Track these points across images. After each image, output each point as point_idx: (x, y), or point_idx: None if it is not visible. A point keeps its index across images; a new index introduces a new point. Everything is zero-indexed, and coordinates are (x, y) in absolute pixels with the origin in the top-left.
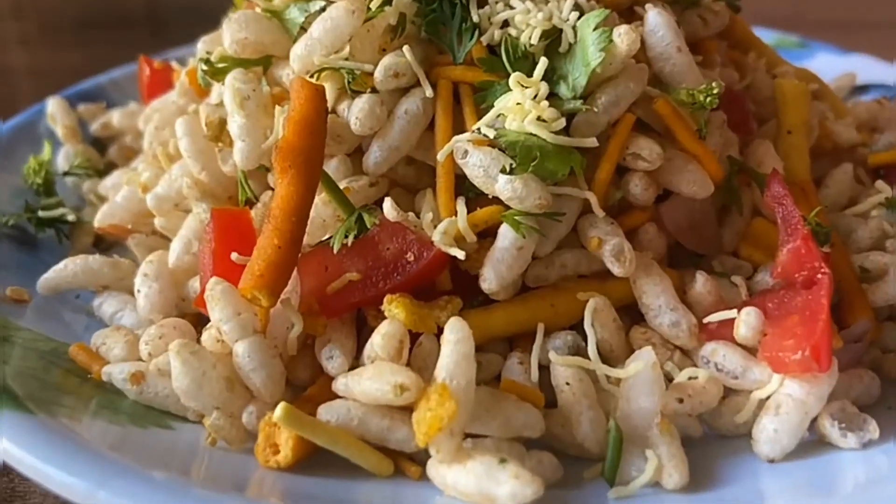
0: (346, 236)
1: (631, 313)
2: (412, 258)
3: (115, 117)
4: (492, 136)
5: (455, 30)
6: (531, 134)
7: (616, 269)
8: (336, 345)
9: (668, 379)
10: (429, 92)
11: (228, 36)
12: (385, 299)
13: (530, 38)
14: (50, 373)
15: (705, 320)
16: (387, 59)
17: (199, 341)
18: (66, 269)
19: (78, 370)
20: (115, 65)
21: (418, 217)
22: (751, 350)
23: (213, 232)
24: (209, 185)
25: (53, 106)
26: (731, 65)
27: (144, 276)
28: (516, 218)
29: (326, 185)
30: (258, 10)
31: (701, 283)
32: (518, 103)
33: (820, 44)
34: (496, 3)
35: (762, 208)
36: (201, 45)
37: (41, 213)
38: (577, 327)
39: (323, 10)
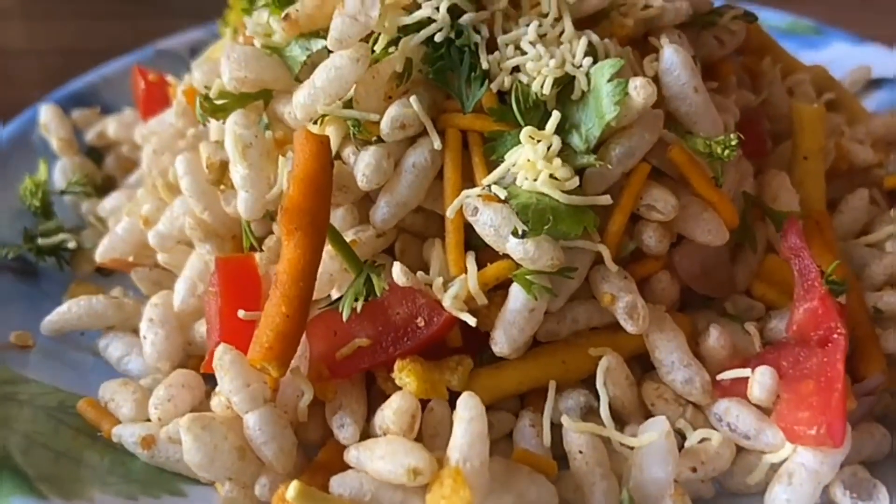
0: (356, 300)
1: (642, 362)
2: (422, 323)
3: (111, 127)
4: (503, 197)
5: (464, 77)
6: (543, 194)
7: (629, 327)
8: (346, 412)
9: (681, 436)
10: (437, 144)
11: (227, 73)
12: (396, 366)
13: (542, 87)
14: (59, 435)
15: (719, 377)
16: (393, 110)
17: (207, 395)
18: (69, 312)
19: (87, 428)
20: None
21: (427, 269)
22: (764, 409)
23: (219, 282)
24: (212, 224)
25: (46, 115)
26: (747, 77)
27: (150, 321)
28: (528, 277)
29: (334, 241)
30: (257, 43)
31: (714, 338)
32: (529, 160)
33: (835, 31)
34: (507, 46)
35: (776, 244)
36: (197, 74)
37: (41, 241)
38: (589, 380)
39: (325, 51)
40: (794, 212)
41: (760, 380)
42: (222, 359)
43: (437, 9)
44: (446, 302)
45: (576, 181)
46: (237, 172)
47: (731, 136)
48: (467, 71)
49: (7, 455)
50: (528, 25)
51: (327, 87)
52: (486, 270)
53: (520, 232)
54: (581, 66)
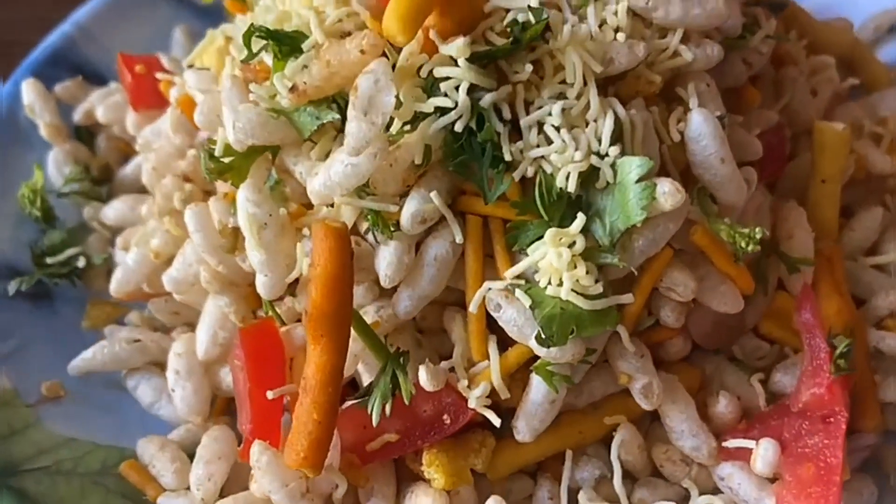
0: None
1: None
2: (449, 421)
3: (100, 111)
4: (526, 305)
5: (485, 168)
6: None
7: (645, 405)
8: (379, 497)
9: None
10: (459, 238)
11: (232, 137)
12: (424, 459)
13: (567, 181)
14: None
15: (724, 444)
16: (413, 205)
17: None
18: (94, 359)
19: (132, 492)
20: None
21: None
22: None
23: (244, 356)
24: (228, 275)
25: (30, 94)
26: (771, 68)
27: (176, 373)
28: (549, 368)
29: (359, 330)
30: (263, 105)
31: (723, 406)
32: (553, 265)
33: None
34: (530, 129)
35: (786, 283)
36: (191, 80)
37: (50, 261)
38: (603, 440)
39: (339, 121)
40: (807, 273)
41: (763, 454)
42: (259, 460)
43: (457, 88)
44: (472, 402)
45: (599, 288)
46: (254, 256)
47: (757, 230)
48: (489, 162)
49: None
50: (552, 101)
51: (343, 182)
52: (509, 355)
53: (544, 339)
54: (607, 154)
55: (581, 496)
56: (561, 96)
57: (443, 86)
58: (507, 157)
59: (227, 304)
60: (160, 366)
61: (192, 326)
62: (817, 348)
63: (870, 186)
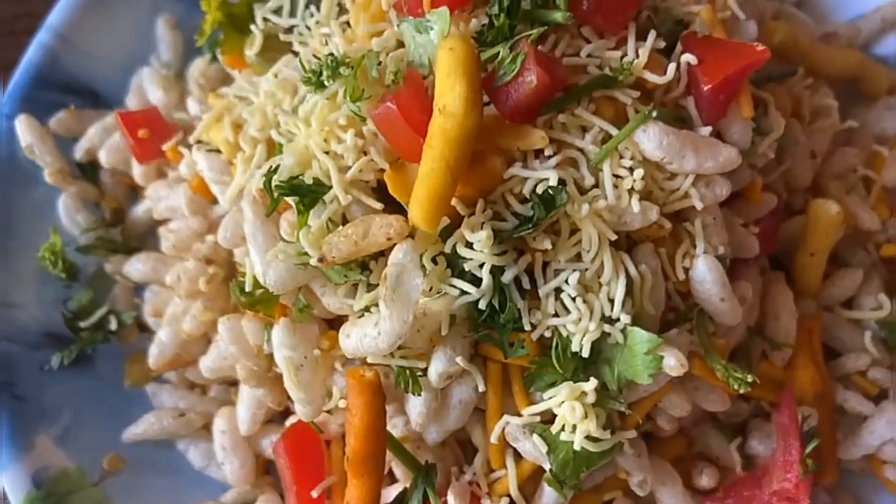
0: None
1: None
2: None
3: (103, 157)
4: (543, 451)
5: (506, 336)
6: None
7: (639, 493)
8: None
9: None
10: (482, 387)
11: (261, 275)
12: None
13: (581, 347)
14: None
15: None
16: (440, 365)
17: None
18: (145, 432)
19: None
20: None
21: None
22: None
23: (286, 455)
24: (261, 370)
25: (25, 133)
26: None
27: (223, 449)
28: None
29: (394, 449)
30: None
31: (706, 480)
32: (567, 418)
33: None
34: (547, 297)
35: (769, 354)
36: (202, 162)
37: (82, 324)
38: None
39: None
40: (789, 385)
41: None
42: None
43: (481, 266)
44: None
45: (608, 435)
46: (292, 391)
47: (749, 376)
48: (510, 328)
49: None
50: (568, 264)
51: (374, 350)
52: (524, 465)
53: (559, 479)
54: (619, 319)
55: None
56: (577, 257)
57: (467, 265)
58: (527, 328)
59: (264, 394)
60: (206, 426)
61: (227, 382)
62: (790, 447)
63: (856, 237)
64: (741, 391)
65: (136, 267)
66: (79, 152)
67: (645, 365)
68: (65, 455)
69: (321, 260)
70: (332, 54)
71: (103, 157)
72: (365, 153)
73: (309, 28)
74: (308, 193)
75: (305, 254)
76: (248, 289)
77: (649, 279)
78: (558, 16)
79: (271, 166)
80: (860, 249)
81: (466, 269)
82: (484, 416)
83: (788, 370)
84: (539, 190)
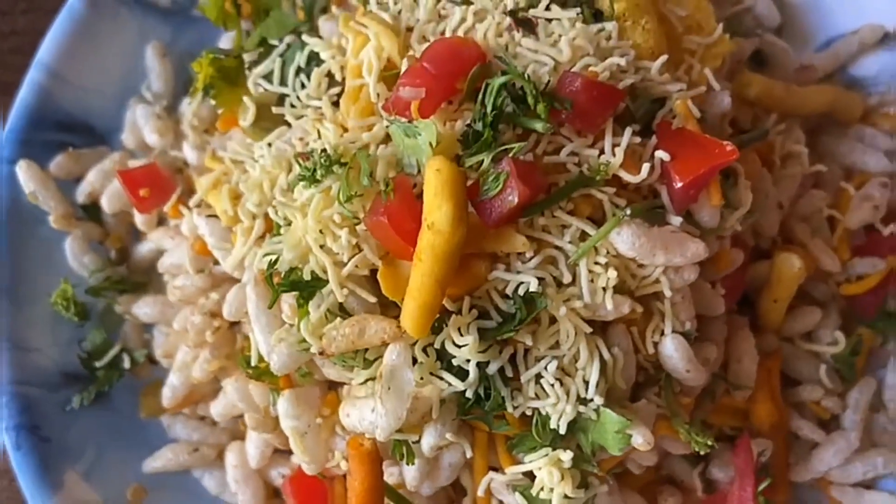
0: None
1: None
2: None
3: (105, 203)
4: None
5: (491, 417)
6: None
7: None
8: None
9: None
10: (469, 454)
11: (265, 354)
12: None
13: (559, 425)
14: None
15: None
16: (430, 439)
17: None
18: (163, 465)
19: None
20: None
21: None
22: None
23: (293, 495)
24: (269, 421)
25: (27, 180)
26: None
27: (236, 481)
28: None
29: (391, 495)
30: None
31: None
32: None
33: None
34: (528, 382)
35: (732, 391)
36: (203, 228)
37: (98, 364)
38: None
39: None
40: (746, 428)
41: None
42: None
43: (468, 360)
44: None
45: (582, 493)
46: (298, 455)
47: (710, 442)
48: (493, 409)
49: None
50: (549, 352)
51: (371, 429)
52: None
53: None
54: (593, 399)
55: None
56: (555, 345)
57: (455, 360)
58: (510, 410)
59: (272, 437)
60: (219, 454)
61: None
62: (746, 484)
63: (818, 274)
64: (702, 452)
65: (144, 310)
66: (80, 196)
67: (615, 441)
68: (92, 490)
69: (321, 353)
70: (324, 150)
71: (105, 204)
72: (359, 248)
73: (300, 99)
74: (306, 288)
75: (306, 341)
76: (253, 363)
77: (621, 359)
78: (538, 126)
79: (271, 260)
80: (822, 284)
81: (454, 362)
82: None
83: (749, 404)
84: (521, 291)
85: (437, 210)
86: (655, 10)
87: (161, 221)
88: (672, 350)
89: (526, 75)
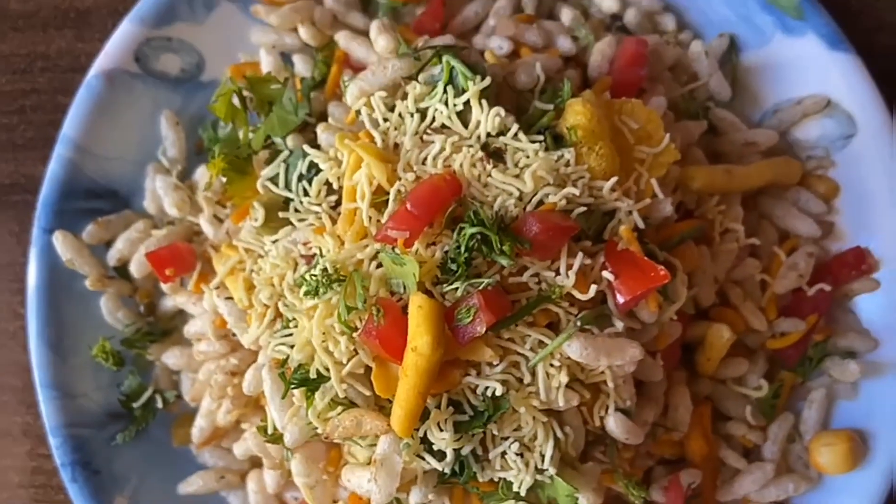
0: None
1: None
2: None
3: (133, 269)
4: None
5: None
6: None
7: None
8: None
9: None
10: None
11: (280, 428)
12: None
13: (520, 487)
14: None
15: None
16: (416, 498)
17: None
18: (194, 490)
19: None
20: None
21: None
22: None
23: None
24: (284, 465)
25: (63, 249)
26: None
27: (257, 494)
28: None
29: None
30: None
31: None
32: None
33: (818, 17)
34: (494, 459)
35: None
36: (222, 307)
37: (135, 405)
38: None
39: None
40: (675, 477)
41: None
42: None
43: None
44: None
45: None
46: (308, 501)
47: (644, 494)
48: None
49: None
50: (513, 434)
51: (368, 496)
52: None
53: None
54: (548, 470)
55: None
56: (517, 429)
57: (435, 446)
58: (480, 480)
59: (286, 472)
60: (242, 477)
61: None
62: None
63: (748, 330)
64: (637, 501)
65: (171, 360)
66: (111, 260)
67: (567, 499)
68: None
69: (326, 437)
70: (325, 269)
71: (134, 269)
72: (356, 352)
73: (303, 203)
74: (313, 384)
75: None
76: (269, 432)
77: (572, 435)
78: (503, 261)
79: (282, 358)
80: (752, 334)
81: (434, 447)
82: None
83: (684, 439)
84: (489, 392)
85: (419, 338)
86: (610, 132)
87: (182, 281)
88: (614, 426)
89: (493, 216)
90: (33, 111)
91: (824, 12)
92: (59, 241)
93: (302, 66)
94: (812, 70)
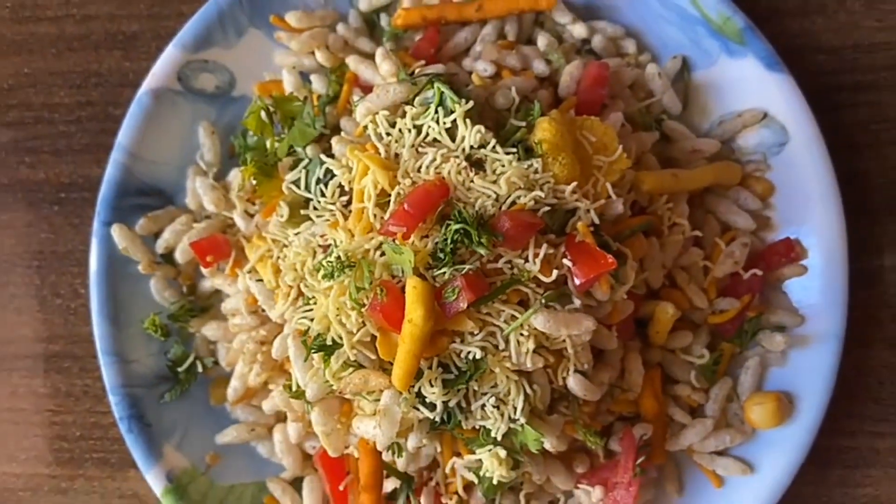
0: None
1: None
2: None
3: (178, 255)
4: (476, 481)
5: (452, 430)
6: None
7: (537, 483)
8: None
9: None
10: (439, 449)
11: (302, 386)
12: None
13: (497, 433)
14: None
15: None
16: (412, 442)
17: None
18: (229, 440)
19: None
20: None
21: None
22: None
23: (322, 463)
24: (305, 417)
25: (119, 239)
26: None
27: (281, 451)
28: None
29: (387, 468)
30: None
31: (581, 468)
32: None
33: (758, 43)
34: (476, 410)
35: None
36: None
37: (179, 370)
38: None
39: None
40: (628, 428)
41: (595, 493)
42: None
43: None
44: None
45: (514, 474)
46: (325, 445)
47: (601, 441)
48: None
49: None
50: (490, 389)
51: (373, 439)
52: (465, 478)
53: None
54: (519, 420)
55: None
56: (494, 386)
57: (427, 399)
58: (465, 427)
59: (306, 425)
60: (269, 430)
61: None
62: (627, 460)
63: (692, 308)
64: (594, 447)
65: (209, 332)
66: (159, 248)
67: (535, 443)
68: (183, 458)
69: (340, 393)
70: (339, 256)
71: (178, 256)
72: (364, 323)
73: (321, 202)
74: (328, 349)
75: (329, 382)
76: (294, 389)
77: (539, 391)
78: (482, 250)
79: (304, 328)
80: (696, 312)
81: (427, 400)
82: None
83: (638, 399)
84: (470, 356)
85: (414, 312)
86: (572, 144)
87: (219, 266)
88: (574, 385)
89: (474, 214)
90: (88, 121)
91: (763, 38)
92: (116, 232)
93: (318, 84)
94: (752, 87)
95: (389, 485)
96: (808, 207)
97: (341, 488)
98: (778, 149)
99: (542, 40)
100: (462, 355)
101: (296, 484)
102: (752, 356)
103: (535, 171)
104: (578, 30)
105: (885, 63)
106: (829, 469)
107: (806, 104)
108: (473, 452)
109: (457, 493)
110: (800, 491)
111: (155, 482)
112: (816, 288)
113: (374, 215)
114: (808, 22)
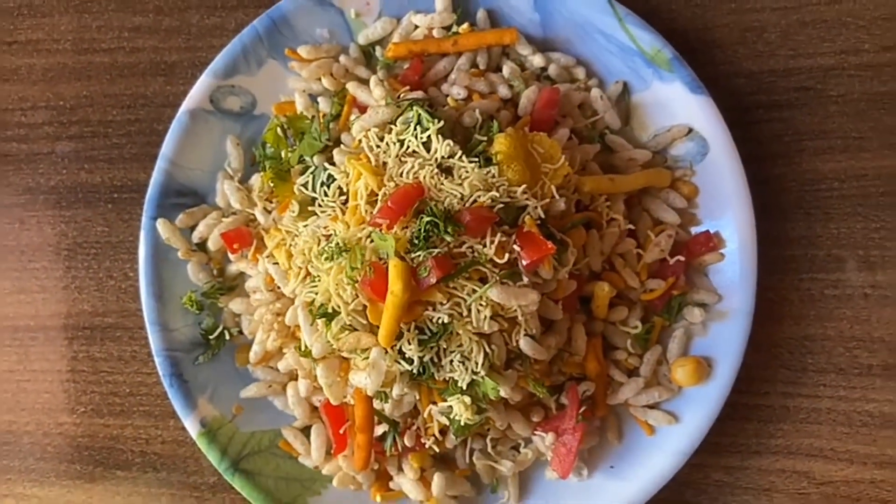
0: None
1: None
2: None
3: (210, 243)
4: (448, 423)
5: (426, 382)
6: None
7: (499, 428)
8: None
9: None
10: (418, 397)
11: (310, 344)
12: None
13: (462, 384)
14: (280, 465)
15: (535, 431)
16: (396, 390)
17: None
18: (251, 395)
19: (289, 455)
20: None
21: None
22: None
23: (326, 411)
24: (312, 373)
25: (163, 230)
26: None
27: (293, 403)
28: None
29: (377, 414)
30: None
31: (536, 417)
32: None
33: (684, 71)
34: (446, 364)
35: (572, 356)
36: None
37: (211, 338)
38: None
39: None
40: (573, 386)
41: (548, 438)
42: (342, 462)
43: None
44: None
45: (478, 417)
46: (327, 395)
47: (547, 392)
48: (429, 379)
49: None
50: (458, 349)
51: (364, 387)
52: (441, 422)
53: (459, 434)
54: (480, 372)
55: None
56: (459, 346)
57: (406, 354)
58: (437, 378)
59: (314, 381)
60: (283, 387)
61: None
62: (573, 409)
63: (627, 287)
64: (542, 396)
65: (235, 306)
66: (195, 238)
67: (493, 391)
68: (213, 408)
69: (339, 350)
70: (338, 243)
71: (210, 244)
72: (357, 295)
73: (324, 201)
74: (329, 316)
75: (330, 342)
76: (303, 349)
77: (496, 351)
78: (448, 238)
79: (311, 299)
80: (631, 291)
81: (406, 356)
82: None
83: (583, 362)
84: (440, 321)
85: (395, 285)
86: (524, 155)
87: (243, 253)
88: (525, 346)
89: (443, 210)
90: (136, 135)
91: (687, 67)
92: (160, 225)
93: (324, 105)
94: (679, 107)
95: (380, 429)
96: (726, 205)
97: (342, 432)
98: (701, 157)
99: (507, 69)
100: (434, 320)
101: (305, 431)
102: (679, 328)
103: (493, 176)
104: (537, 60)
105: (796, 85)
106: (746, 423)
107: (723, 121)
108: (445, 400)
109: (434, 435)
110: (722, 441)
111: (191, 427)
112: (731, 272)
113: (365, 211)
114: (732, 51)
